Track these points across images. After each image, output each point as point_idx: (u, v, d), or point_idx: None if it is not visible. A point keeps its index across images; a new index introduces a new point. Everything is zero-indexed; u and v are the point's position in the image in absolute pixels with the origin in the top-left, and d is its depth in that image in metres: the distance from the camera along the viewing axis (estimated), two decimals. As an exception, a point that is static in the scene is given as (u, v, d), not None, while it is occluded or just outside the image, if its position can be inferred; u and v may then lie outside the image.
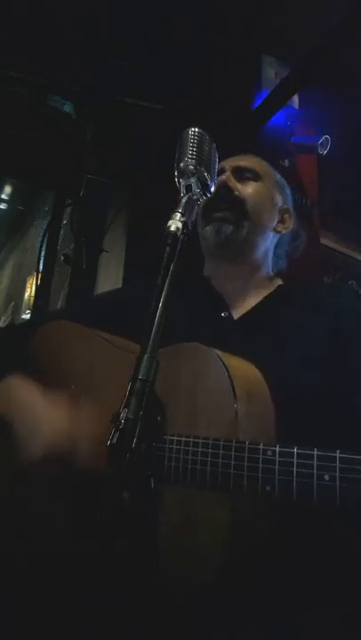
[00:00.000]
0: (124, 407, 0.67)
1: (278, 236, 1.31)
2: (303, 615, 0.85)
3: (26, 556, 0.97)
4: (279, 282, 1.29)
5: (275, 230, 1.30)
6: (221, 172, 1.24)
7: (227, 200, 1.21)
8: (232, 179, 1.25)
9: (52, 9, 2.42)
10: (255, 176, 1.28)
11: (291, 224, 1.33)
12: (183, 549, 0.82)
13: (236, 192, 1.23)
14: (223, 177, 1.24)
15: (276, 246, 1.33)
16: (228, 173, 1.26)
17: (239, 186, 1.25)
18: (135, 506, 0.64)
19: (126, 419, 0.66)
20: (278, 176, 1.36)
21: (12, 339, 1.26)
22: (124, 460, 0.64)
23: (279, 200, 1.31)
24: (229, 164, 1.28)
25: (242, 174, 1.27)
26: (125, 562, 0.68)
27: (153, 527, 0.84)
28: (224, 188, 1.22)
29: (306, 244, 1.41)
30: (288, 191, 1.37)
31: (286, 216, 1.33)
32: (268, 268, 1.30)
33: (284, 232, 1.32)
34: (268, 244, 1.28)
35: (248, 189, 1.26)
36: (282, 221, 1.32)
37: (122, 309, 1.22)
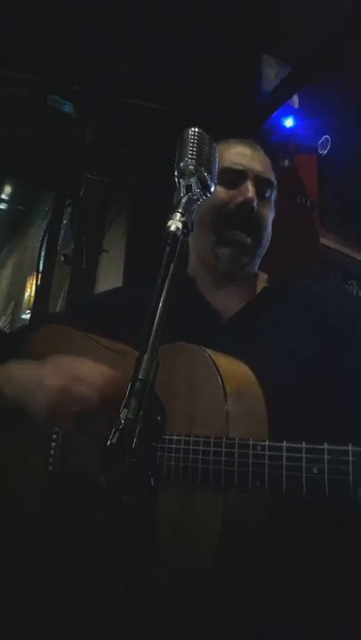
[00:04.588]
0: (124, 407, 0.67)
1: None
2: (300, 616, 0.85)
3: (24, 558, 0.97)
4: (264, 283, 1.24)
5: None
6: (243, 177, 1.14)
7: (249, 221, 1.12)
8: (255, 194, 1.14)
9: (52, 9, 2.42)
10: (271, 193, 1.20)
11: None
12: (180, 549, 0.82)
13: (257, 214, 1.15)
14: (247, 191, 1.12)
15: None
16: (251, 187, 1.14)
17: (261, 203, 1.16)
18: (135, 506, 0.64)
19: (126, 419, 0.66)
20: None
21: (6, 347, 1.23)
22: (123, 459, 0.64)
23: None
24: (252, 168, 1.16)
25: (262, 189, 1.17)
26: (124, 562, 0.68)
27: (152, 527, 0.84)
28: (249, 207, 1.12)
29: (305, 227, 1.37)
30: None
31: None
32: (255, 270, 1.25)
33: None
34: None
35: (265, 211, 1.18)
36: None
37: (117, 312, 1.20)
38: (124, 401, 0.67)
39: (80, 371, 0.92)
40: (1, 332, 1.37)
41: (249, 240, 1.15)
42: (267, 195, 1.18)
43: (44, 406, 0.91)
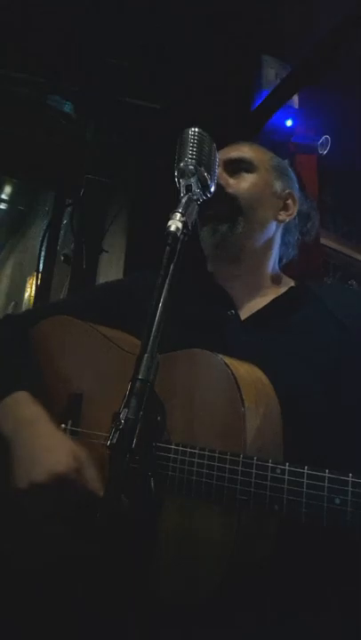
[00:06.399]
0: (124, 407, 0.67)
1: (284, 224, 1.25)
2: (302, 617, 0.85)
3: (24, 559, 0.97)
4: (291, 283, 1.23)
5: (277, 220, 1.23)
6: None
7: (219, 198, 1.09)
8: (223, 175, 1.17)
9: (52, 9, 2.41)
10: (249, 166, 1.21)
11: (295, 209, 1.26)
12: (182, 558, 0.82)
13: (229, 189, 1.17)
14: None
15: (285, 234, 1.27)
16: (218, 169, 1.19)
17: (232, 181, 1.19)
18: (135, 507, 0.64)
19: (126, 419, 0.66)
20: (277, 160, 1.28)
21: (12, 330, 1.21)
22: (123, 460, 0.64)
23: (278, 187, 1.24)
24: (219, 157, 1.19)
25: (234, 167, 1.20)
26: (124, 563, 0.68)
27: (152, 529, 0.84)
28: (215, 187, 1.16)
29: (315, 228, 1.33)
30: (290, 173, 1.29)
31: (290, 202, 1.25)
32: (274, 262, 1.24)
33: (288, 219, 1.25)
34: (270, 236, 1.22)
35: (241, 184, 1.19)
36: (285, 208, 1.24)
37: (123, 302, 1.20)
38: (124, 401, 0.67)
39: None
40: (8, 316, 1.33)
41: (221, 211, 1.15)
42: (241, 168, 1.21)
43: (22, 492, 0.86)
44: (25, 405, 0.98)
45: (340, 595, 0.88)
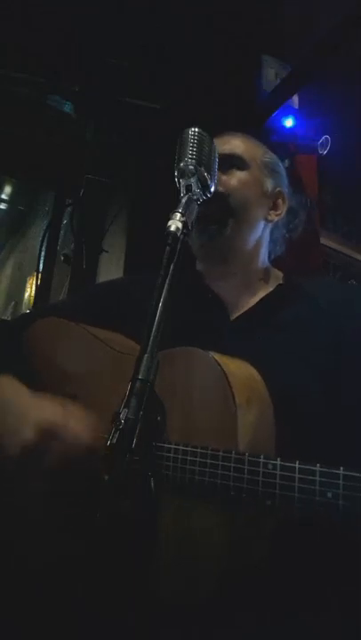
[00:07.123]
0: (124, 407, 0.67)
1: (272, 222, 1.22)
2: (302, 617, 0.85)
3: (24, 559, 0.97)
4: (280, 280, 1.20)
5: (266, 219, 1.21)
6: None
7: (209, 199, 1.03)
8: None
9: (52, 9, 2.41)
10: (241, 163, 1.18)
11: (284, 209, 1.23)
12: (182, 558, 0.82)
13: (219, 186, 1.11)
14: None
15: (272, 231, 1.25)
16: None
17: (223, 178, 1.15)
18: (135, 507, 0.64)
19: (126, 419, 0.66)
20: (268, 156, 1.25)
21: (4, 335, 1.21)
22: (123, 459, 0.64)
23: (269, 185, 1.21)
24: None
25: (226, 163, 1.15)
26: (124, 563, 0.68)
27: (152, 529, 0.84)
28: None
29: (305, 227, 1.30)
30: (280, 169, 1.26)
31: (279, 201, 1.23)
32: (263, 259, 1.22)
33: (276, 219, 1.22)
34: (258, 235, 1.20)
35: (232, 181, 1.16)
36: (274, 207, 1.22)
37: (117, 305, 1.20)
38: (124, 401, 0.67)
39: (59, 422, 0.87)
40: (2, 320, 1.33)
41: (211, 210, 1.08)
42: (233, 164, 1.17)
43: (16, 454, 0.86)
44: (8, 385, 0.99)
45: (341, 595, 0.88)
